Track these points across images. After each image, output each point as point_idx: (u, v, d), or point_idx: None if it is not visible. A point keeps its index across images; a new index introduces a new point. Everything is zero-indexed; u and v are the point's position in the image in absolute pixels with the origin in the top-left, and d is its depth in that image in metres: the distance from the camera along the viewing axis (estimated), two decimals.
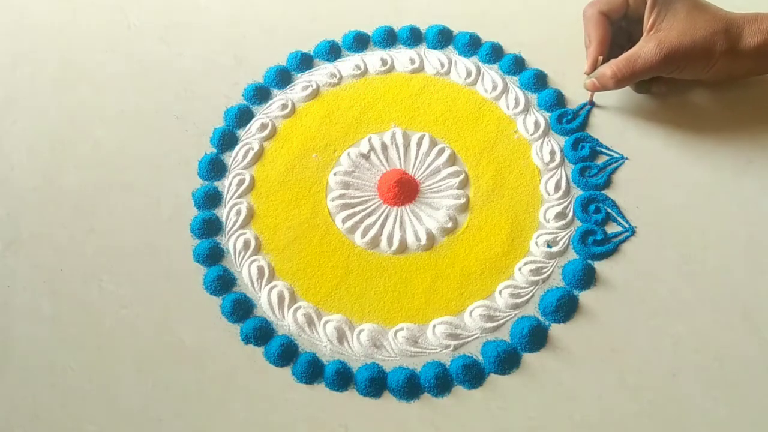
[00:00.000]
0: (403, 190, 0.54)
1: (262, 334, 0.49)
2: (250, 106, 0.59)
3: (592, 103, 0.57)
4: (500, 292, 0.50)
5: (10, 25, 0.66)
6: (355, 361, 0.48)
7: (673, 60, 0.51)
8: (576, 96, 0.58)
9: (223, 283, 0.51)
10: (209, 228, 0.53)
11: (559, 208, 0.53)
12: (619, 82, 0.53)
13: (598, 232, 0.51)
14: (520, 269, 0.51)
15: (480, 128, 0.57)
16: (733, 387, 0.45)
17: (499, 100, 0.58)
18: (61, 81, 0.62)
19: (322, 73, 0.61)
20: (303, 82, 0.60)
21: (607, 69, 0.53)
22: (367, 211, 0.54)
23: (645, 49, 0.52)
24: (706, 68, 0.52)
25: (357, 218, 0.53)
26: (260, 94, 0.60)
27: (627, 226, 0.52)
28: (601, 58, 0.54)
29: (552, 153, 0.55)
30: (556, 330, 0.48)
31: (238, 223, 0.54)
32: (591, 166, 0.54)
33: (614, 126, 0.56)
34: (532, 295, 0.50)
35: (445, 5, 0.64)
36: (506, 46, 0.61)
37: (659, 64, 0.51)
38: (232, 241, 0.53)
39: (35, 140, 0.59)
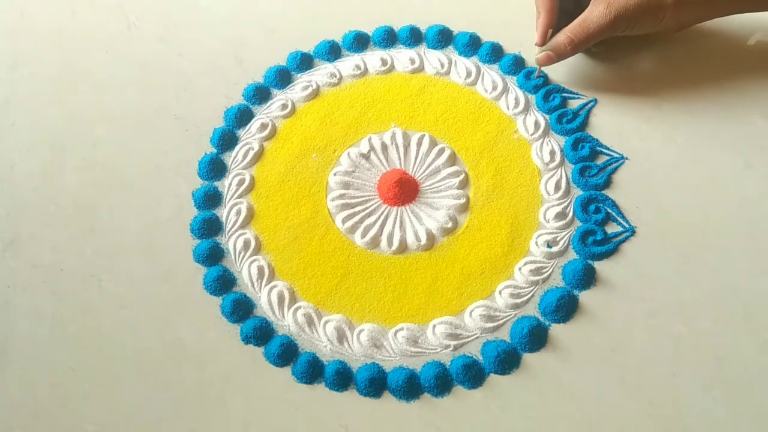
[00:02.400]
0: (403, 190, 0.54)
1: (262, 334, 0.49)
2: (250, 106, 0.59)
3: (540, 75, 0.58)
4: (500, 292, 0.50)
5: (10, 25, 0.66)
6: (355, 361, 0.48)
7: (623, 19, 0.53)
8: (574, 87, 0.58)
9: (223, 283, 0.51)
10: (209, 228, 0.53)
11: (559, 208, 0.53)
12: (575, 48, 0.55)
13: (598, 232, 0.51)
14: (520, 269, 0.51)
15: (480, 128, 0.57)
16: (733, 387, 0.45)
17: (499, 100, 0.58)
18: (61, 81, 0.62)
19: (322, 73, 0.61)
20: (303, 82, 0.60)
21: (562, 36, 0.55)
22: (367, 211, 0.54)
23: (595, 12, 0.54)
24: (656, 22, 0.54)
25: (357, 218, 0.53)
26: (260, 94, 0.60)
27: (627, 226, 0.52)
28: (550, 30, 0.56)
29: (552, 153, 0.55)
30: (556, 330, 0.48)
31: (238, 223, 0.54)
32: (591, 166, 0.54)
33: (614, 126, 0.56)
34: (532, 295, 0.50)
35: (445, 5, 0.64)
36: (506, 46, 0.61)
37: (610, 25, 0.54)
38: (232, 241, 0.53)
39: (35, 140, 0.59)
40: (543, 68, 0.58)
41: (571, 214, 0.53)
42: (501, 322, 0.49)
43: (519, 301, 0.49)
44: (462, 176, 0.55)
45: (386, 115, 0.58)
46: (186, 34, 0.64)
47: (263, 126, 0.58)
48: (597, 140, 0.56)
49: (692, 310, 0.48)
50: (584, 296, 0.49)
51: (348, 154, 0.56)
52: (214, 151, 0.57)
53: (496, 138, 0.57)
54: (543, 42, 0.56)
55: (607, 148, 0.55)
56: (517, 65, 0.60)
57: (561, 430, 0.45)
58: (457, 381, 0.47)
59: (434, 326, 0.49)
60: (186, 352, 0.49)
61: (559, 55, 0.56)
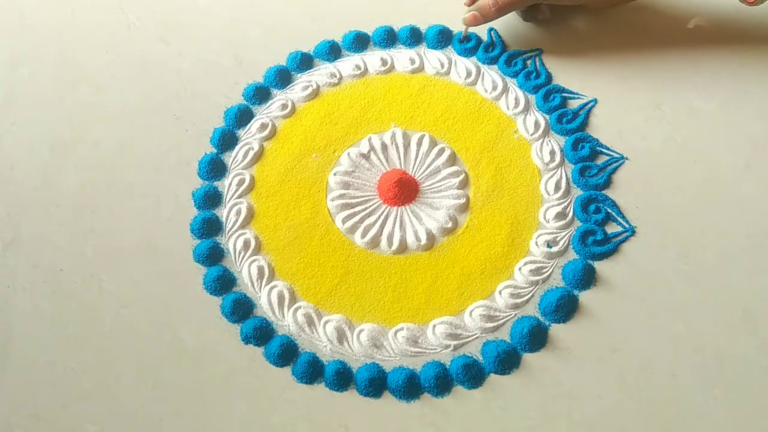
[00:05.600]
0: (403, 190, 0.54)
1: (262, 334, 0.49)
2: (250, 106, 0.59)
3: (466, 37, 0.61)
4: (500, 292, 0.50)
5: (10, 25, 0.66)
6: (355, 361, 0.48)
7: None
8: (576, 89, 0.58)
9: (223, 283, 0.51)
10: (209, 228, 0.53)
11: (559, 208, 0.53)
12: (499, 10, 0.57)
13: (598, 232, 0.51)
14: (520, 269, 0.51)
15: (480, 128, 0.57)
16: (733, 387, 0.45)
17: (499, 100, 0.58)
18: (61, 81, 0.62)
19: (322, 73, 0.61)
20: (303, 82, 0.60)
21: None
22: (367, 211, 0.54)
23: None
24: None
25: (357, 218, 0.53)
26: (260, 94, 0.60)
27: (627, 226, 0.52)
28: None
29: (552, 153, 0.55)
30: (556, 330, 0.48)
31: (238, 223, 0.54)
32: (591, 166, 0.54)
33: (614, 126, 0.56)
34: (532, 295, 0.50)
35: (445, 5, 0.64)
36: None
37: None
38: (232, 241, 0.53)
39: (35, 140, 0.59)
40: (470, 29, 0.61)
41: (571, 214, 0.53)
42: (501, 322, 0.49)
43: (519, 301, 0.49)
44: (462, 176, 0.55)
45: (386, 115, 0.58)
46: (186, 34, 0.64)
47: (263, 126, 0.58)
48: (597, 140, 0.56)
49: (692, 310, 0.48)
50: (584, 296, 0.49)
51: (348, 154, 0.56)
52: (214, 151, 0.57)
53: (496, 138, 0.57)
54: (471, 2, 0.58)
55: (607, 148, 0.55)
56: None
57: (561, 430, 0.45)
58: (457, 381, 0.47)
59: (434, 326, 0.49)
60: (186, 352, 0.49)
61: (484, 16, 0.57)
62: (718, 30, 0.60)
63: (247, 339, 0.49)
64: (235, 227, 0.54)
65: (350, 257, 0.52)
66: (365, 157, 0.56)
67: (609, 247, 0.51)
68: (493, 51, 0.60)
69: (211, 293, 0.51)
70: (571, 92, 0.58)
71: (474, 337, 0.48)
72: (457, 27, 0.62)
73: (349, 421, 0.46)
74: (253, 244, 0.53)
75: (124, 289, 0.51)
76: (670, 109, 0.57)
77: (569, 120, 0.57)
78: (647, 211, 0.52)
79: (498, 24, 0.62)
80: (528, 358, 0.47)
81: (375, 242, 0.52)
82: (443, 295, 0.50)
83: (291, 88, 0.60)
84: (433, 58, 0.61)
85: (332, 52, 0.62)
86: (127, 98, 0.60)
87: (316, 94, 0.60)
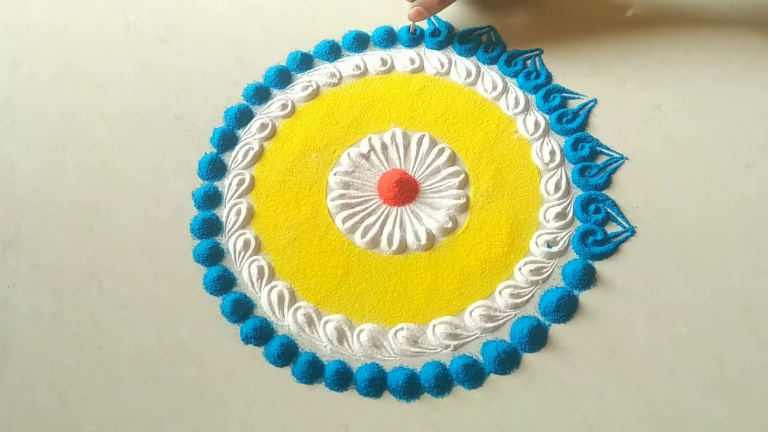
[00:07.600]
0: (403, 190, 0.54)
1: (262, 334, 0.49)
2: (250, 106, 0.59)
3: (414, 32, 0.62)
4: (500, 292, 0.50)
5: (10, 25, 0.66)
6: (355, 361, 0.48)
7: None
8: (575, 88, 0.58)
9: (223, 283, 0.51)
10: (209, 228, 0.53)
11: (559, 208, 0.53)
12: (442, 2, 0.58)
13: (598, 232, 0.51)
14: (520, 269, 0.51)
15: (480, 128, 0.57)
16: (733, 387, 0.45)
17: (499, 100, 0.58)
18: (61, 81, 0.62)
19: (322, 73, 0.61)
20: (303, 82, 0.60)
21: None
22: (367, 211, 0.54)
23: None
24: None
25: (357, 218, 0.53)
26: (260, 94, 0.60)
27: (627, 226, 0.52)
28: None
29: (552, 153, 0.55)
30: (556, 330, 0.48)
31: (238, 223, 0.54)
32: (591, 166, 0.54)
33: (614, 126, 0.56)
34: (532, 295, 0.50)
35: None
36: (508, 46, 0.61)
37: None
38: (232, 241, 0.53)
39: (35, 140, 0.59)
40: (417, 24, 0.61)
41: (571, 214, 0.53)
42: (501, 322, 0.49)
43: (519, 301, 0.49)
44: (462, 176, 0.55)
45: (386, 115, 0.58)
46: (186, 34, 0.64)
47: (263, 126, 0.58)
48: (597, 140, 0.56)
49: (692, 310, 0.48)
50: (584, 296, 0.49)
51: (348, 154, 0.56)
52: (214, 151, 0.57)
53: (496, 138, 0.57)
54: None
55: (607, 148, 0.55)
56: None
57: (561, 430, 0.45)
58: (457, 381, 0.47)
59: (434, 326, 0.49)
60: (186, 352, 0.49)
61: (428, 10, 0.58)
62: (719, 31, 0.60)
63: (247, 339, 0.49)
64: (235, 227, 0.54)
65: (350, 257, 0.52)
66: (365, 157, 0.56)
67: (609, 247, 0.51)
68: (493, 51, 0.60)
69: (211, 293, 0.51)
70: (571, 92, 0.58)
71: (474, 337, 0.48)
72: (460, 27, 0.62)
73: (349, 421, 0.46)
74: (253, 244, 0.53)
75: (124, 289, 0.51)
76: (670, 109, 0.57)
77: (569, 120, 0.57)
78: (647, 211, 0.52)
79: (498, 24, 0.62)
80: (528, 358, 0.47)
81: (375, 242, 0.52)
82: (443, 295, 0.50)
83: (291, 88, 0.60)
84: (433, 58, 0.61)
85: (332, 52, 0.62)
86: (127, 98, 0.60)
87: (316, 94, 0.60)
